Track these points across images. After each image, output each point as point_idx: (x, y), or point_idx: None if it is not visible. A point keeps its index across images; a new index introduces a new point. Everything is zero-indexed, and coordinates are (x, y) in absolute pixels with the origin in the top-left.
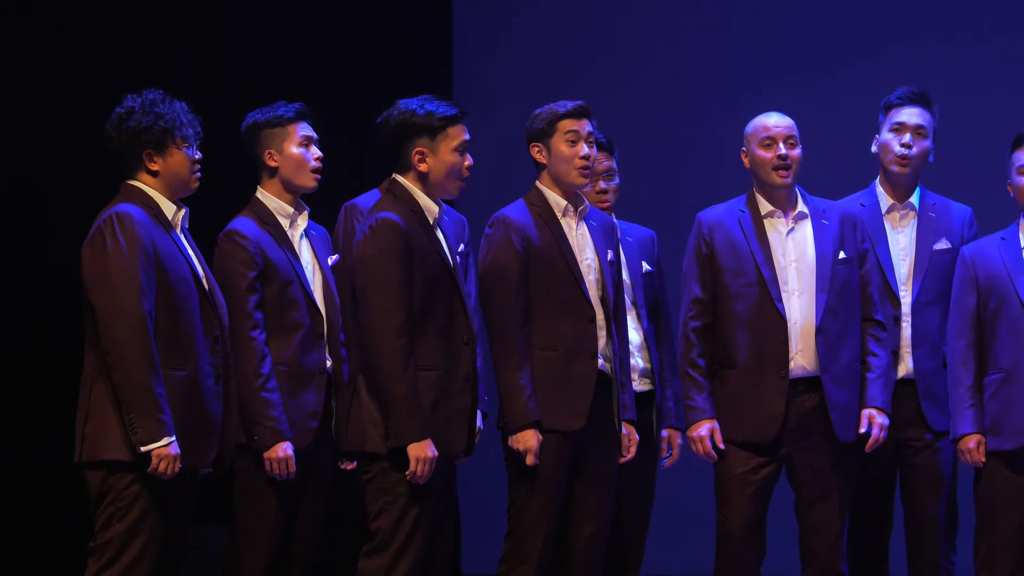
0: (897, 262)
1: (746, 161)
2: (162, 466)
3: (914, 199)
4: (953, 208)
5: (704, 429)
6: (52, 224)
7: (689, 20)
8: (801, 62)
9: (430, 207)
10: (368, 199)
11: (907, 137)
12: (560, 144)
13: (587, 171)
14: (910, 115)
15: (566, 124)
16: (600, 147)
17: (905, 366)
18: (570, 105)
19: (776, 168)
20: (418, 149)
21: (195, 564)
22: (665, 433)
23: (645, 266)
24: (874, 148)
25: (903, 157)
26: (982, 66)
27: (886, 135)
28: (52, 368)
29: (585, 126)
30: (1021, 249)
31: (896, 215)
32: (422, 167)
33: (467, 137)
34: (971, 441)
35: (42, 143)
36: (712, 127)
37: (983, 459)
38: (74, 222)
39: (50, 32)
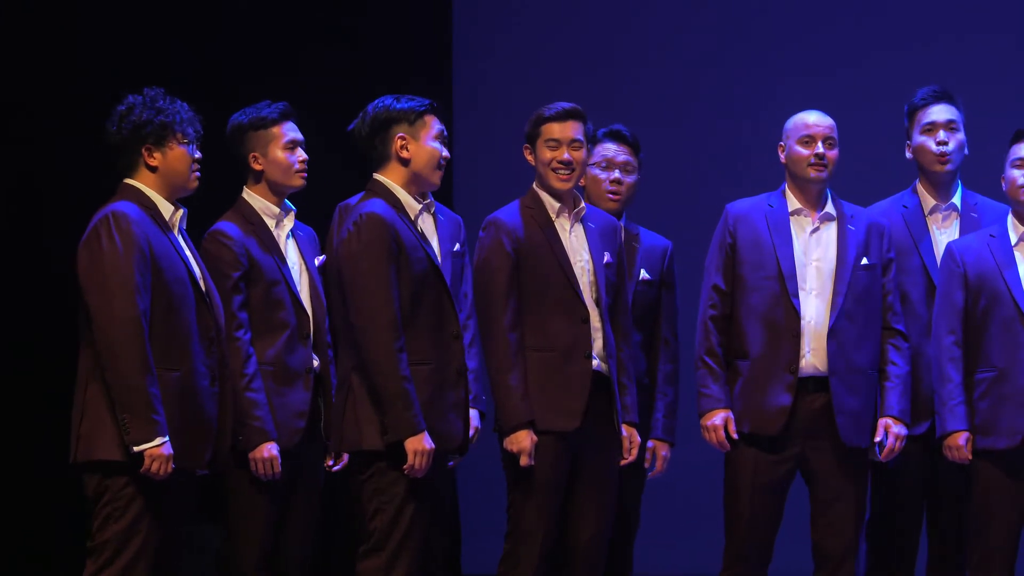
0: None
1: (783, 156)
2: (155, 466)
3: (956, 199)
4: (995, 208)
5: (718, 418)
6: (52, 224)
7: (691, 19)
8: (804, 62)
9: (411, 204)
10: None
11: (941, 134)
12: (542, 148)
13: (567, 175)
14: (939, 112)
15: (548, 128)
16: (623, 141)
17: None
18: (555, 109)
19: (812, 164)
20: (399, 135)
21: (193, 564)
22: (651, 444)
23: (643, 274)
24: (908, 154)
25: (942, 154)
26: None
27: (919, 138)
28: (51, 367)
29: (569, 130)
30: (1012, 247)
31: (939, 216)
32: (404, 153)
33: (443, 129)
34: (960, 438)
35: (42, 143)
36: (714, 128)
37: (970, 456)
38: (74, 222)
39: (50, 32)
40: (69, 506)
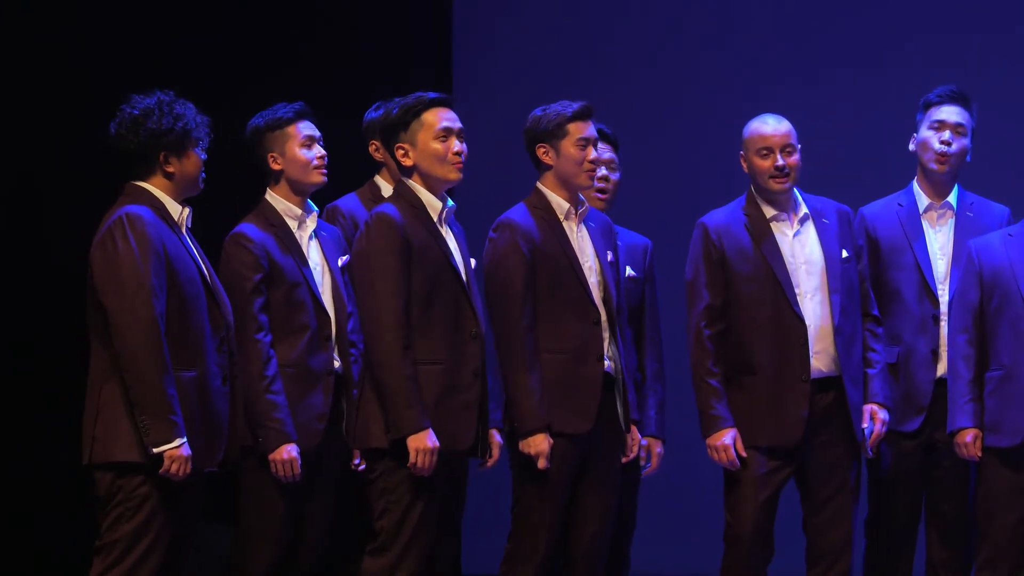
0: (935, 261)
1: (744, 166)
2: (174, 467)
3: (952, 198)
4: (991, 208)
5: (728, 437)
6: (52, 224)
7: (690, 19)
8: (803, 63)
9: (433, 203)
10: (349, 201)
11: (946, 135)
12: (570, 147)
13: (594, 174)
14: (949, 113)
15: (577, 127)
16: (604, 138)
17: (944, 365)
18: (578, 106)
19: (773, 177)
20: (399, 146)
21: (195, 564)
22: (644, 442)
23: (629, 271)
24: (912, 146)
25: (942, 155)
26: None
27: (925, 133)
28: (51, 367)
29: (592, 128)
30: None
31: (934, 214)
32: (406, 162)
33: (447, 124)
34: (967, 435)
35: (43, 143)
36: (713, 128)
37: (979, 454)
38: (74, 221)
39: (50, 32)
40: (71, 506)
